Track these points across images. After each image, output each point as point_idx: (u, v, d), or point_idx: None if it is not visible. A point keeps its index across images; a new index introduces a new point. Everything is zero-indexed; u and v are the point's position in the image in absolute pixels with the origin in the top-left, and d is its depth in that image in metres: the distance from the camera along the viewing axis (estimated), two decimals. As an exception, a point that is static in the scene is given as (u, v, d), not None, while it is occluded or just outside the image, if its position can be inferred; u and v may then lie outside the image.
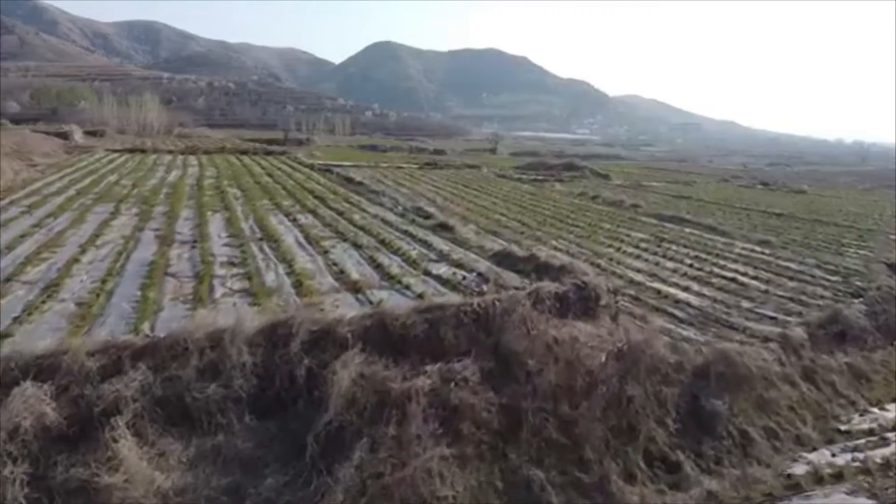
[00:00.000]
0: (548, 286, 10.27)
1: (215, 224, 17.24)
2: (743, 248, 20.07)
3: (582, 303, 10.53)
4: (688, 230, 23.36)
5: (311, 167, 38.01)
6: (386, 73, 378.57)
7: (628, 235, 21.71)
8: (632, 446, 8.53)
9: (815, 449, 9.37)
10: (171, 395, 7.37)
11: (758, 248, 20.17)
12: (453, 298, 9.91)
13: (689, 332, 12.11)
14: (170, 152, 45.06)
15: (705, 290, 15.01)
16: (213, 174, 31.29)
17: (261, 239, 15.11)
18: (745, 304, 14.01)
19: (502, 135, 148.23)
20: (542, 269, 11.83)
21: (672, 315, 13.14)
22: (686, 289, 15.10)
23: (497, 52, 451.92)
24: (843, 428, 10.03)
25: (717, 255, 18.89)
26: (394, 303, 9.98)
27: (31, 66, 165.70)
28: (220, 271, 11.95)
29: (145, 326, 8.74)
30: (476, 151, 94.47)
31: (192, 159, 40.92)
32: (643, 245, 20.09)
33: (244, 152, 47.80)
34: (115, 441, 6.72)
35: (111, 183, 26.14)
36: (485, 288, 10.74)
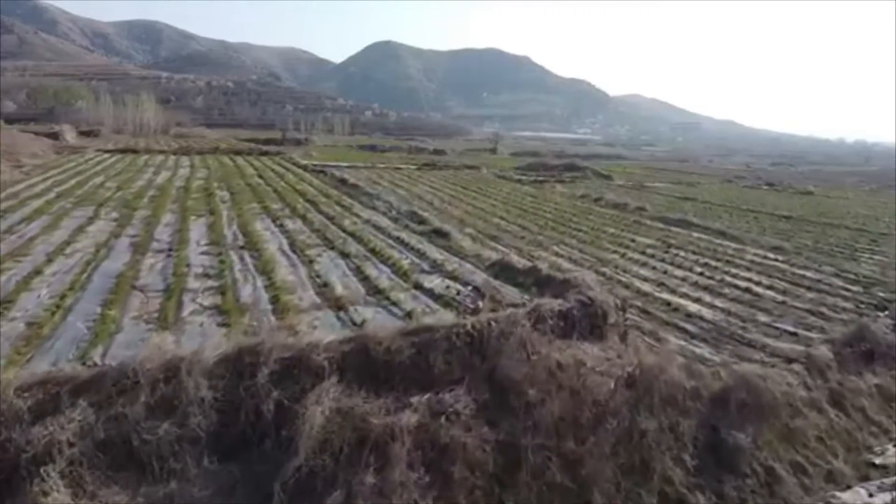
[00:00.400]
0: (550, 303, 9.29)
1: (197, 230, 16.26)
2: (755, 255, 19.06)
3: (588, 321, 9.56)
4: (696, 235, 22.36)
5: (305, 168, 37.01)
6: (386, 73, 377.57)
7: (633, 241, 20.72)
8: (645, 488, 7.55)
9: (848, 487, 8.38)
10: (116, 437, 6.40)
11: (770, 255, 19.16)
12: (445, 318, 8.91)
13: (704, 351, 11.13)
14: (162, 153, 44.04)
15: (718, 302, 14.02)
16: (203, 176, 30.29)
17: (242, 247, 14.13)
18: (762, 317, 13.02)
19: (503, 135, 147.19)
20: (543, 283, 10.84)
21: (684, 330, 12.16)
22: (697, 300, 14.11)
23: (497, 51, 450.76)
24: (877, 461, 9.04)
25: (729, 263, 17.89)
26: (379, 322, 9.00)
27: (29, 66, 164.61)
28: (192, 284, 10.97)
29: (96, 353, 7.75)
30: (476, 151, 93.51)
31: (185, 160, 39.92)
32: (650, 251, 19.10)
33: (238, 153, 46.75)
34: (45, 494, 5.76)
35: (96, 185, 25.17)
36: (480, 305, 9.75)
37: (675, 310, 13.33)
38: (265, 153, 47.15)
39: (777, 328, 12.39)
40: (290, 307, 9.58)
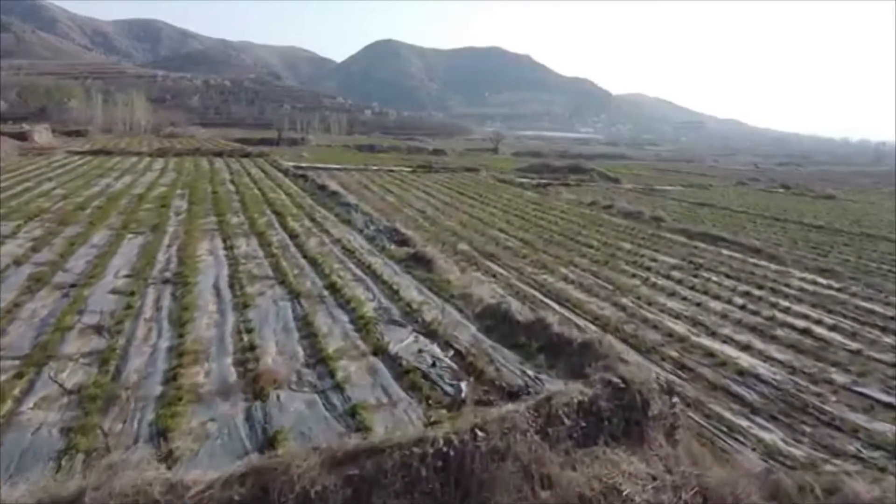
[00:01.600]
0: (566, 393, 6.25)
1: (125, 254, 13.26)
2: (802, 280, 15.99)
3: (621, 414, 6.53)
4: (726, 252, 19.27)
5: (286, 172, 33.95)
6: (388, 72, 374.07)
7: (655, 260, 17.68)
8: None
9: None
10: None
11: (821, 280, 16.07)
12: (406, 426, 5.86)
13: (774, 436, 8.09)
14: (138, 154, 40.99)
15: (774, 351, 10.96)
16: (168, 181, 27.23)
17: (168, 280, 11.10)
18: (838, 376, 9.95)
19: (504, 134, 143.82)
20: (553, 346, 7.80)
21: (739, 398, 9.13)
22: (747, 347, 11.07)
23: (499, 50, 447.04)
24: None
25: (773, 291, 14.84)
26: (303, 427, 5.95)
27: (24, 65, 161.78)
28: (68, 345, 7.94)
29: None
30: (477, 151, 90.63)
31: (159, 162, 36.93)
32: (676, 274, 16.06)
33: (219, 154, 43.66)
34: None
35: (41, 193, 22.18)
36: (463, 391, 6.69)
37: (723, 364, 10.28)
38: (247, 154, 44.04)
39: (863, 395, 9.32)
40: (184, 391, 6.55)
